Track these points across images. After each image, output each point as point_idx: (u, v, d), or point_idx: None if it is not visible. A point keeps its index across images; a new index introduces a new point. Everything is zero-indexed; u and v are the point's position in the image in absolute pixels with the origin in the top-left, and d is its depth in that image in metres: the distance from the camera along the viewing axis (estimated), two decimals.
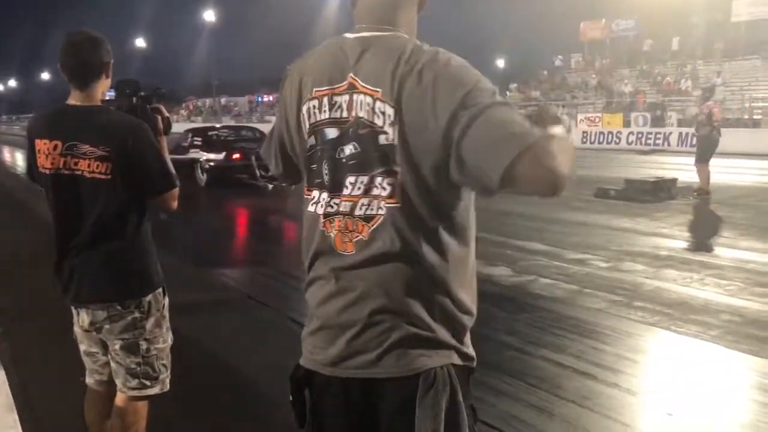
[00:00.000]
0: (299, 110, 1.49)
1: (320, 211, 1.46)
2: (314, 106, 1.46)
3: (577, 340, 4.50)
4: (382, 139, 1.37)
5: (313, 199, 1.49)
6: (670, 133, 23.79)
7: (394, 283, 1.39)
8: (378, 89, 1.37)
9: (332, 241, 1.44)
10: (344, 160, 1.42)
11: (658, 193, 10.88)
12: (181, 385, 2.64)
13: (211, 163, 14.29)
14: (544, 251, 7.21)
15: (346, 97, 1.41)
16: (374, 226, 1.39)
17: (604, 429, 3.23)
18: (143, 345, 2.44)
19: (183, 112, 57.83)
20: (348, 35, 1.47)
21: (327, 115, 1.44)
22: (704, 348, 4.34)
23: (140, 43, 69.99)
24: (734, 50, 29.83)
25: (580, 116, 29.46)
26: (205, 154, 14.59)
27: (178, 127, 17.43)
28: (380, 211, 1.38)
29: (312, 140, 1.48)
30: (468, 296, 1.45)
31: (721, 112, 13.57)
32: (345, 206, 1.42)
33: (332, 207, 1.44)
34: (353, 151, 1.41)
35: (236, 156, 14.04)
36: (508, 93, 36.62)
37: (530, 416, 3.36)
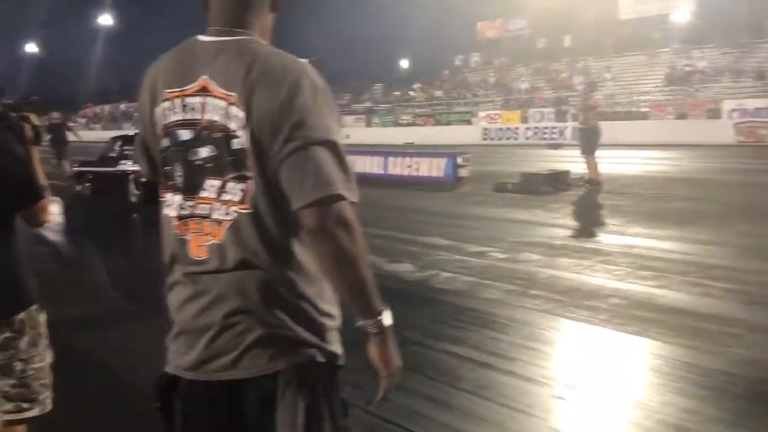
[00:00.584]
0: (152, 111, 1.48)
1: (173, 213, 1.45)
2: (167, 108, 1.45)
3: (476, 330, 4.61)
4: (234, 143, 1.38)
5: (167, 201, 1.48)
6: (566, 128, 24.78)
7: (248, 286, 1.39)
8: (232, 93, 1.37)
9: (187, 245, 1.44)
10: (201, 163, 1.42)
11: (552, 185, 11.33)
12: (70, 402, 2.53)
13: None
14: (446, 246, 7.34)
15: (200, 100, 1.41)
16: (226, 230, 1.40)
17: (500, 416, 3.32)
18: (18, 366, 2.31)
19: (81, 120, 55.44)
20: (201, 37, 1.47)
21: (180, 117, 1.44)
22: (594, 331, 4.54)
23: (32, 48, 66.58)
24: (622, 46, 31.39)
25: (480, 114, 30.25)
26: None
27: (103, 135, 15.20)
28: (232, 216, 1.39)
29: (166, 141, 1.47)
30: (324, 301, 1.46)
31: (602, 105, 14.24)
32: (202, 209, 1.42)
33: (186, 210, 1.44)
34: (210, 154, 1.41)
35: None
36: (411, 93, 37.17)
37: (428, 409, 3.41)
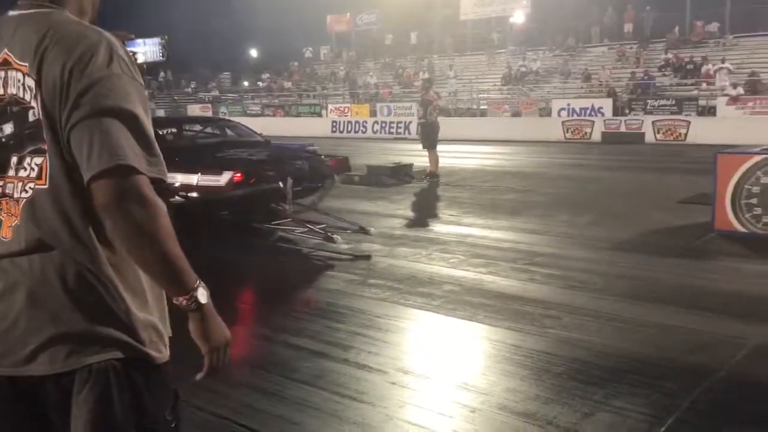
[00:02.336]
0: None
1: None
2: None
3: (315, 321, 4.63)
4: (30, 115, 1.30)
5: None
6: (410, 122, 25.46)
7: (48, 272, 1.30)
8: (24, 63, 1.30)
9: (1, 226, 1.34)
10: (5, 140, 1.34)
11: (396, 177, 11.62)
12: None
13: (191, 194, 6.61)
14: (290, 237, 7.30)
15: (2, 74, 1.33)
16: (22, 208, 1.31)
17: (334, 405, 3.34)
18: None
19: None
20: (10, 12, 1.39)
21: None
22: (428, 317, 4.71)
23: None
24: (464, 46, 32.73)
25: (330, 106, 30.36)
26: (178, 174, 6.94)
27: None
28: (29, 193, 1.30)
29: None
30: (136, 292, 1.38)
31: (440, 100, 14.78)
32: (9, 188, 1.33)
33: None
34: (12, 129, 1.33)
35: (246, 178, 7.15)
36: (260, 84, 36.58)
37: (262, 403, 3.37)
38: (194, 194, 6.47)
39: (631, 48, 27.06)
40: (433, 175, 11.87)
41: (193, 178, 6.49)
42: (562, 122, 22.88)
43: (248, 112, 33.00)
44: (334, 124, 28.33)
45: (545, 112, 24.46)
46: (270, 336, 4.39)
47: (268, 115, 31.52)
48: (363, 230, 7.33)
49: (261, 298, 5.46)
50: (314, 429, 3.14)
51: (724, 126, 18.83)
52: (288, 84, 35.36)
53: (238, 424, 3.15)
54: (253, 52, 43.39)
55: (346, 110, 29.22)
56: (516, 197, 9.99)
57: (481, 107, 26.51)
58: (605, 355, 3.94)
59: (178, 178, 6.47)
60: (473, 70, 30.84)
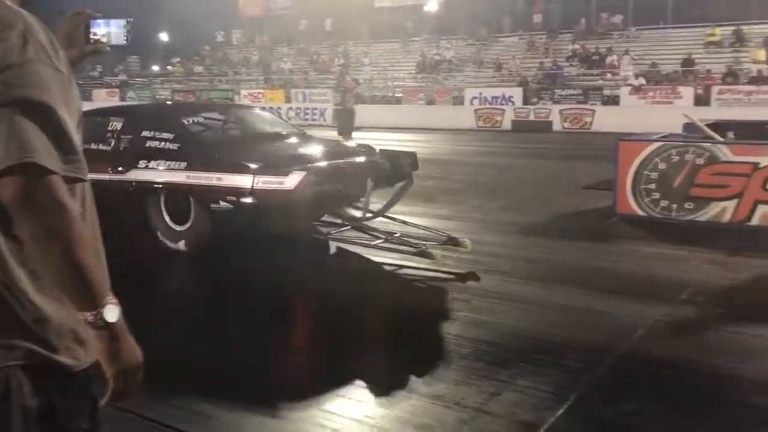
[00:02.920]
0: None
1: None
2: None
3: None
4: None
5: None
6: (326, 109, 25.35)
7: None
8: None
9: None
10: None
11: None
12: None
13: (245, 200, 5.38)
14: (362, 251, 6.37)
15: None
16: None
17: None
18: None
19: None
20: None
21: None
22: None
23: None
24: (379, 33, 32.77)
25: (243, 92, 29.82)
26: (205, 174, 5.64)
27: None
28: None
29: None
30: (53, 299, 1.28)
31: (357, 87, 14.77)
32: None
33: None
34: None
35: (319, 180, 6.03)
36: (169, 68, 35.48)
37: None
38: (249, 200, 5.26)
39: (540, 38, 27.83)
40: None
41: (246, 180, 5.25)
42: (475, 110, 23.33)
43: (157, 97, 31.98)
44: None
45: (458, 101, 24.87)
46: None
47: (178, 101, 30.64)
48: (454, 242, 5.74)
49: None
50: None
51: (627, 114, 19.69)
52: (199, 68, 34.47)
53: None
54: (163, 36, 41.97)
55: (260, 96, 28.78)
56: (431, 184, 10.09)
57: (396, 95, 26.65)
58: (511, 336, 4.04)
59: (224, 180, 5.36)
60: (388, 58, 30.96)
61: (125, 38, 1.72)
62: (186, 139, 6.00)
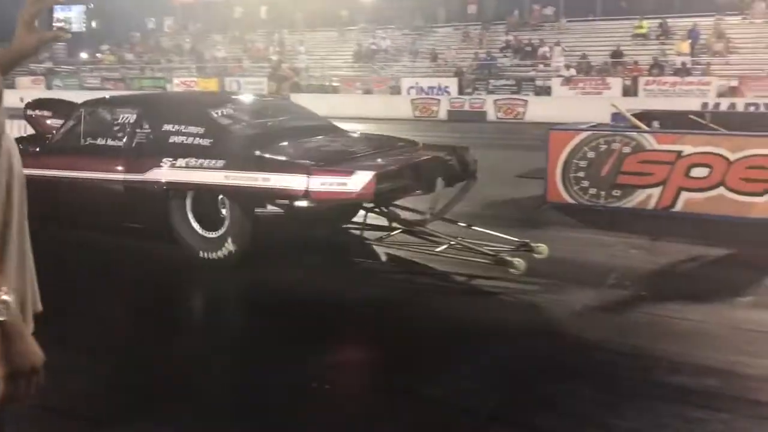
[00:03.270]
0: None
1: None
2: None
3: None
4: None
5: None
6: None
7: None
8: None
9: None
10: None
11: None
12: None
13: (299, 204, 4.73)
14: (419, 260, 5.68)
15: None
16: None
17: None
18: None
19: None
20: None
21: None
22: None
23: None
24: (314, 21, 32.49)
25: (175, 80, 29.14)
26: (248, 174, 4.93)
27: None
28: None
29: None
30: None
31: (294, 76, 14.66)
32: None
33: None
34: None
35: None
36: (99, 56, 34.35)
37: None
38: (303, 203, 4.65)
39: (474, 29, 28.13)
40: None
41: (300, 181, 4.63)
42: (411, 100, 23.43)
43: (85, 85, 30.94)
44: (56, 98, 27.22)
45: (395, 90, 24.92)
46: None
47: (108, 89, 29.70)
48: (527, 247, 5.21)
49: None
50: None
51: (558, 105, 20.11)
52: (130, 56, 33.50)
53: None
54: (93, 24, 40.59)
55: (193, 84, 28.20)
56: None
57: (333, 84, 26.52)
58: (439, 322, 4.10)
59: (272, 181, 4.72)
60: (324, 47, 30.75)
61: (85, 24, 1.63)
62: (219, 133, 5.32)
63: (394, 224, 5.50)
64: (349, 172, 4.63)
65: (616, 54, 23.23)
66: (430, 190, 5.16)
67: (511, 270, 4.69)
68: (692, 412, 2.97)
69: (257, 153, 5.05)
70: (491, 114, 21.79)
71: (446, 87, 23.71)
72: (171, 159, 5.12)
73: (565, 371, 3.45)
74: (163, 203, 5.23)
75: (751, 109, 17.59)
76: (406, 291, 4.84)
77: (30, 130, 7.16)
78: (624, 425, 2.89)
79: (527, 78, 23.42)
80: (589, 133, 7.44)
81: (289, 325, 4.08)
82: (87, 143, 5.79)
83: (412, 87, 24.30)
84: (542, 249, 5.17)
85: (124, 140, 5.57)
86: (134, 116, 5.64)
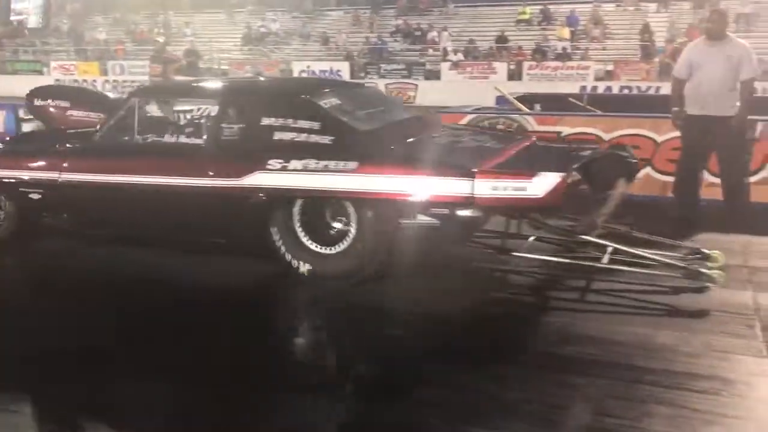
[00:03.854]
0: None
1: None
2: None
3: None
4: None
5: None
6: (146, 82, 24.06)
7: None
8: None
9: None
10: None
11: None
12: None
13: (461, 212, 3.97)
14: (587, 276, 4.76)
15: None
16: None
17: None
18: None
19: None
20: None
21: None
22: None
23: None
24: (201, 3, 31.50)
25: (53, 63, 27.57)
26: (390, 178, 4.10)
27: None
28: None
29: None
30: None
31: (181, 59, 14.23)
32: None
33: None
34: None
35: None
36: None
37: None
38: (468, 212, 3.92)
39: (364, 13, 28.17)
40: None
41: (464, 186, 3.86)
42: None
43: None
44: (59, 83, 25.78)
45: (286, 74, 24.61)
46: None
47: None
48: (702, 255, 4.35)
49: None
50: None
51: (447, 89, 20.52)
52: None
53: None
54: None
55: (72, 68, 26.76)
56: None
57: (222, 67, 25.87)
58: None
59: (426, 186, 3.98)
60: (212, 29, 29.91)
61: (41, 20, 1.45)
62: (339, 129, 4.41)
63: (557, 235, 4.73)
64: (530, 175, 3.83)
65: (501, 39, 23.91)
66: (605, 190, 4.50)
67: (707, 284, 4.02)
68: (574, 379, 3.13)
69: (398, 152, 4.28)
70: None
71: (338, 71, 23.67)
72: (281, 161, 4.23)
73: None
74: (264, 214, 4.39)
75: (625, 92, 18.64)
76: (587, 314, 3.97)
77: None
78: (511, 396, 3.01)
79: (417, 62, 23.74)
80: (475, 115, 7.65)
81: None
82: (149, 141, 4.90)
83: (303, 71, 24.10)
84: (718, 256, 4.29)
85: (205, 137, 4.74)
86: (216, 107, 4.79)
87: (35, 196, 5.09)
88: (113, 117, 5.03)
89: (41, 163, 5.16)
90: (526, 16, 25.44)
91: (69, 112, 6.13)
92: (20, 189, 5.17)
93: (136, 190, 4.67)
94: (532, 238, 4.65)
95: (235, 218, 4.45)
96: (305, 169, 4.16)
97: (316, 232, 4.39)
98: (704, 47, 5.82)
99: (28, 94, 6.64)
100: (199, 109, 5.04)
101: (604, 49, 23.02)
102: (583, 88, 18.26)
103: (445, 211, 3.96)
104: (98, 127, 5.26)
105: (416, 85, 22.00)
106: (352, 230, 4.23)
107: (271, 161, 4.24)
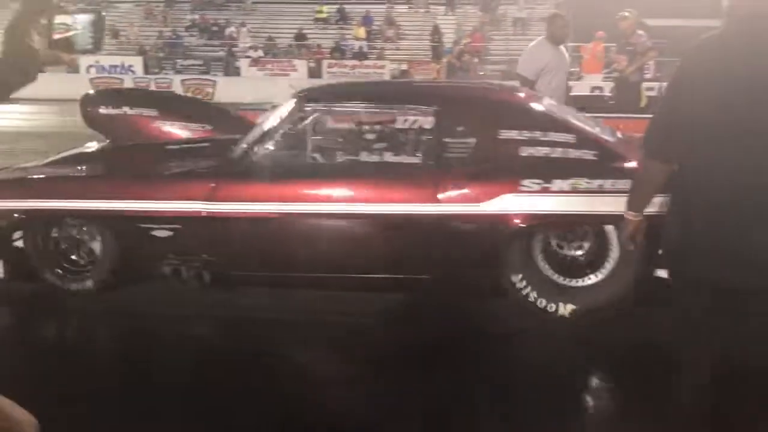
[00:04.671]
0: None
1: None
2: None
3: None
4: None
5: None
6: None
7: None
8: None
9: None
10: None
11: None
12: None
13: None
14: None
15: None
16: None
17: None
18: None
19: None
20: None
21: None
22: None
23: None
24: None
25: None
26: None
27: None
28: None
29: None
30: None
31: None
32: None
33: None
34: None
35: None
36: None
37: None
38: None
39: (158, 6, 26.99)
40: None
41: (604, 203, 3.44)
42: (91, 79, 21.76)
43: None
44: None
45: (73, 69, 22.90)
46: None
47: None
48: None
49: None
50: None
51: (247, 85, 20.29)
52: None
53: None
54: None
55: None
56: (33, 158, 9.18)
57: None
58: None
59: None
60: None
61: (91, 41, 1.25)
62: (597, 140, 3.78)
63: None
64: None
65: (300, 37, 24.09)
66: None
67: None
68: None
69: (525, 157, 3.67)
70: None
71: (130, 66, 22.48)
72: (540, 181, 3.56)
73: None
74: (507, 244, 3.67)
75: None
76: None
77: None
78: None
79: (216, 58, 23.21)
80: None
81: None
82: (340, 160, 3.99)
83: (92, 65, 22.57)
84: None
85: (420, 154, 3.92)
86: (430, 119, 3.91)
87: (162, 234, 3.82)
88: (276, 128, 3.89)
89: (173, 190, 3.85)
90: (324, 15, 25.83)
91: (156, 123, 4.90)
92: (138, 225, 3.82)
93: (324, 222, 3.81)
94: None
95: (470, 251, 3.71)
96: (574, 191, 3.55)
97: (555, 263, 3.80)
98: (551, 49, 5.80)
99: (83, 99, 5.17)
100: (405, 120, 4.21)
101: (398, 49, 24.02)
102: None
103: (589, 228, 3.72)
104: (232, 141, 4.13)
105: (215, 81, 21.49)
106: (613, 254, 3.67)
107: (525, 182, 3.57)
